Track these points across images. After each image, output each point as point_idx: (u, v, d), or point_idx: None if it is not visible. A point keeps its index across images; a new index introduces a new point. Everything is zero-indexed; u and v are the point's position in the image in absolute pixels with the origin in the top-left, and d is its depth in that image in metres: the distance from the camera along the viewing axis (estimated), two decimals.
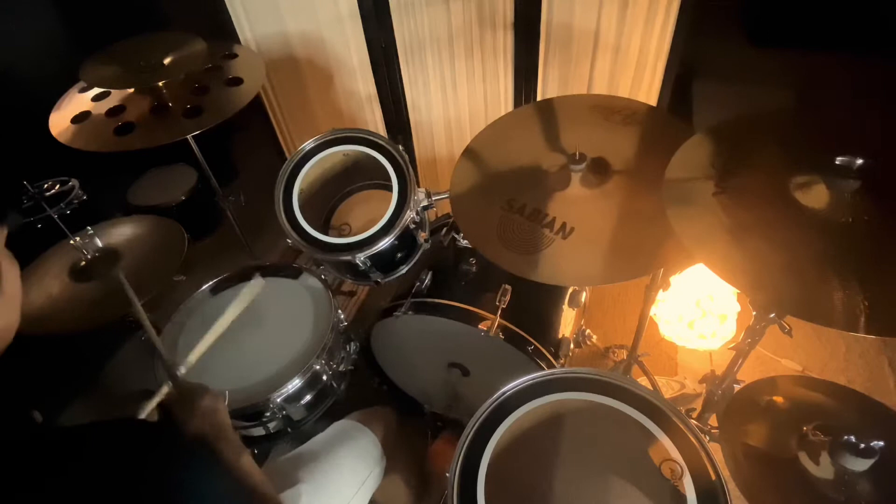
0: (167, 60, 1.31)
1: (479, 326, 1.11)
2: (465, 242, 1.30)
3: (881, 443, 0.78)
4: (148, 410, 0.81)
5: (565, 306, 1.32)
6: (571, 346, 1.33)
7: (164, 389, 0.82)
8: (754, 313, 0.96)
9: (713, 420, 1.22)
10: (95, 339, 1.79)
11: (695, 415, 1.29)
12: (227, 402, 1.00)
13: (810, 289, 0.71)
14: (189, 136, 1.30)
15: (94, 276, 1.20)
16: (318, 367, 1.16)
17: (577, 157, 1.00)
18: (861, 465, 0.79)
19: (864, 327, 0.65)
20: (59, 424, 0.56)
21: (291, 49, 1.79)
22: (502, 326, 1.10)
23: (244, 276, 1.32)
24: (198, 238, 1.99)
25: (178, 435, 0.70)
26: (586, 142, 1.03)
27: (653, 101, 1.71)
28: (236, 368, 1.12)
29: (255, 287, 0.99)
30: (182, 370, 0.87)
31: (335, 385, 1.25)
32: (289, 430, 1.19)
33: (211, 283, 1.31)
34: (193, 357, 0.89)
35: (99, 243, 1.23)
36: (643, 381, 1.56)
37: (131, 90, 1.35)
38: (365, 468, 1.07)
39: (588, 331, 1.41)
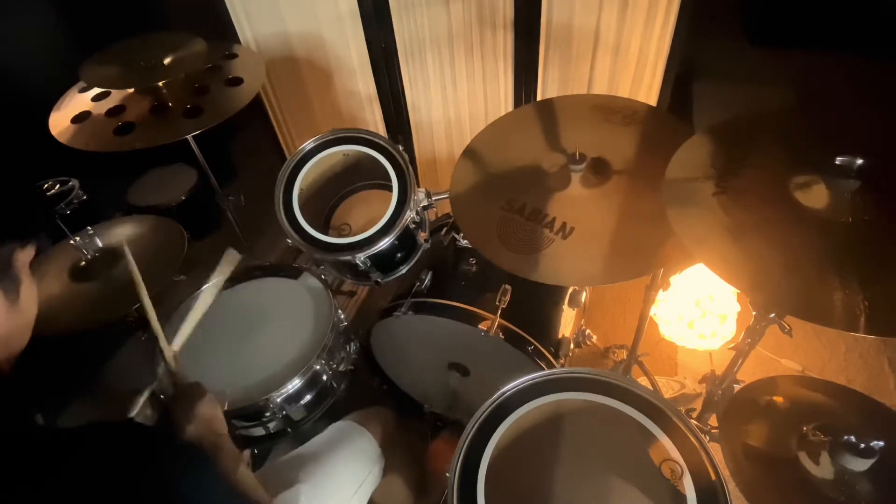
0: (167, 60, 1.31)
1: (479, 326, 1.11)
2: (465, 242, 1.30)
3: (881, 443, 0.78)
4: (139, 405, 0.82)
5: (565, 306, 1.32)
6: (571, 346, 1.33)
7: (153, 386, 0.84)
8: (754, 313, 0.96)
9: (713, 420, 1.22)
10: (95, 339, 1.79)
11: (695, 415, 1.29)
12: (227, 405, 1.01)
13: (810, 289, 0.71)
14: (189, 136, 1.30)
15: (94, 276, 1.20)
16: (318, 367, 1.16)
17: (577, 157, 1.00)
18: (861, 465, 0.79)
19: (864, 327, 0.65)
20: (59, 425, 0.56)
21: (291, 49, 1.79)
22: (502, 326, 1.10)
23: (244, 277, 1.32)
24: (198, 238, 1.98)
25: (174, 439, 0.70)
26: (586, 142, 1.03)
27: (653, 101, 1.71)
28: (236, 368, 1.12)
29: (230, 259, 1.02)
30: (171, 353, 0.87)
31: (335, 385, 1.25)
32: (289, 430, 1.19)
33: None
34: (179, 342, 0.90)
35: (99, 243, 1.23)
36: (643, 381, 1.56)
37: (131, 90, 1.35)
38: (363, 468, 1.08)
39: (588, 331, 1.41)
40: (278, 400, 1.10)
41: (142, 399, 0.88)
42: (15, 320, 0.61)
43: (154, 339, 0.89)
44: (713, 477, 0.74)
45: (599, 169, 1.02)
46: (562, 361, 1.22)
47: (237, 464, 0.76)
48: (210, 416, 0.77)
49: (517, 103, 1.81)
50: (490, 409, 0.84)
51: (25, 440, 0.53)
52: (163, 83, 1.31)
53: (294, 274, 1.31)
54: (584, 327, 1.42)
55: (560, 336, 1.27)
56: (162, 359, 0.88)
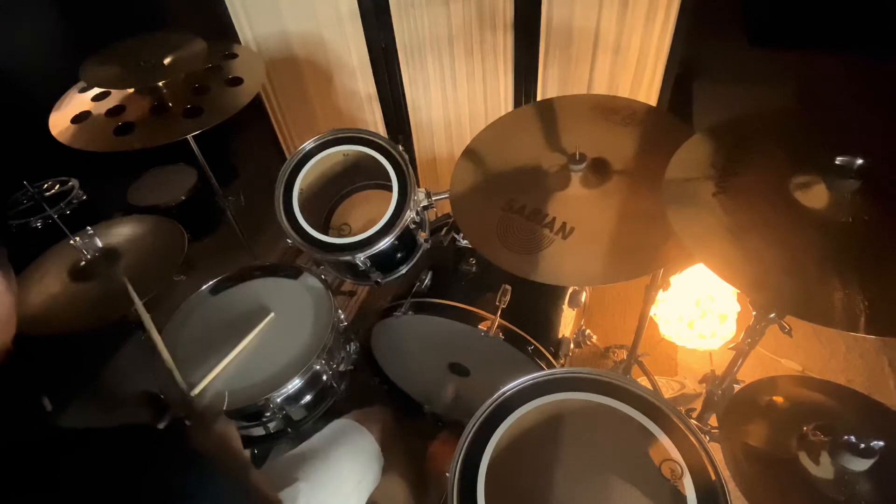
0: (167, 60, 1.31)
1: (479, 326, 1.11)
2: (465, 242, 1.30)
3: (881, 443, 0.78)
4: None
5: (565, 306, 1.32)
6: (571, 346, 1.33)
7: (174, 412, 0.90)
8: (754, 313, 0.96)
9: (713, 420, 1.22)
10: (95, 339, 1.79)
11: (695, 415, 1.29)
12: (226, 404, 1.03)
13: (810, 289, 0.71)
14: (189, 136, 1.30)
15: (94, 276, 1.20)
16: (318, 367, 1.16)
17: (577, 157, 1.00)
18: (861, 465, 0.79)
19: (864, 327, 0.65)
20: (61, 426, 0.56)
21: (291, 49, 1.79)
22: (502, 326, 1.10)
23: (244, 277, 1.32)
24: (198, 238, 1.99)
25: (185, 442, 0.70)
26: (586, 142, 1.03)
27: (653, 101, 1.71)
28: (236, 368, 1.12)
29: (267, 321, 1.16)
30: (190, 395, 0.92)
31: (335, 385, 1.24)
32: (289, 430, 1.19)
33: (211, 283, 1.31)
34: (199, 388, 0.98)
35: (99, 243, 1.23)
36: (643, 381, 1.56)
37: (131, 90, 1.35)
38: (362, 467, 1.08)
39: (588, 331, 1.41)
40: (278, 400, 1.10)
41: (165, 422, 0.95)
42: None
43: (169, 373, 0.94)
44: (713, 477, 0.74)
45: (599, 169, 1.02)
46: (562, 361, 1.22)
47: (247, 469, 0.79)
48: (225, 434, 0.83)
49: (517, 103, 1.81)
50: (490, 409, 0.84)
51: (29, 441, 0.53)
52: (163, 83, 1.31)
53: (294, 274, 1.31)
54: (584, 327, 1.42)
55: (560, 336, 1.27)
56: (176, 387, 0.94)
